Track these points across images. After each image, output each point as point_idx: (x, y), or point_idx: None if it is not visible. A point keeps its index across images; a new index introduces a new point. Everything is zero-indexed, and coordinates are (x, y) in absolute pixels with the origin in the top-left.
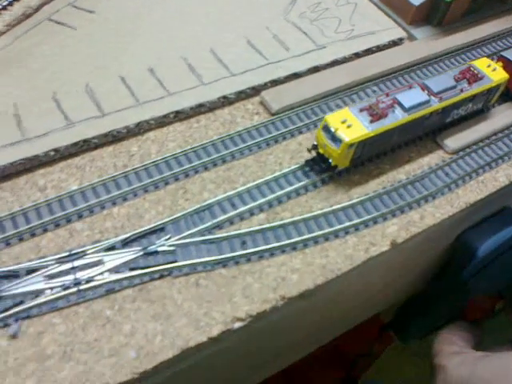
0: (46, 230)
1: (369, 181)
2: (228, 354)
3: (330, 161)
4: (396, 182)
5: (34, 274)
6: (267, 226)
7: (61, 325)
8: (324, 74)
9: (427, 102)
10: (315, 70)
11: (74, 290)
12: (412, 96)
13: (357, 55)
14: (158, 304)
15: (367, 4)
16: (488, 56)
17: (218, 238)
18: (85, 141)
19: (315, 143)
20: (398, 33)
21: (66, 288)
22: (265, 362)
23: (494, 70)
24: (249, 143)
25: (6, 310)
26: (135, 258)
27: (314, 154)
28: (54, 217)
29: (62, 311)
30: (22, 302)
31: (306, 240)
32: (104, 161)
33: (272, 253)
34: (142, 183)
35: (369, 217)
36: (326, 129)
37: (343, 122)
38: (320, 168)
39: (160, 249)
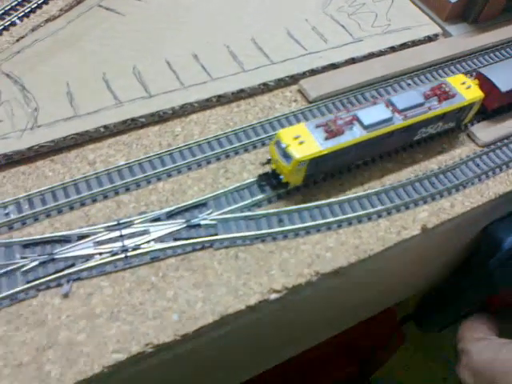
0: (95, 201)
1: (402, 169)
2: (261, 326)
3: (281, 177)
4: (428, 171)
5: (84, 240)
6: (303, 206)
7: (108, 288)
8: (360, 66)
9: (389, 119)
10: (352, 61)
11: (122, 256)
12: (374, 113)
13: (392, 49)
14: (199, 273)
15: (403, 0)
16: None
17: (256, 214)
18: (132, 119)
19: (269, 157)
20: (433, 29)
21: (113, 254)
22: (293, 339)
23: (469, 87)
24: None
25: (59, 271)
26: (179, 229)
27: (268, 168)
28: (103, 189)
29: (109, 275)
30: (73, 265)
31: (340, 221)
32: (150, 139)
33: (308, 231)
34: (186, 161)
35: (401, 202)
36: (278, 144)
37: (296, 138)
38: (272, 184)
39: (202, 222)
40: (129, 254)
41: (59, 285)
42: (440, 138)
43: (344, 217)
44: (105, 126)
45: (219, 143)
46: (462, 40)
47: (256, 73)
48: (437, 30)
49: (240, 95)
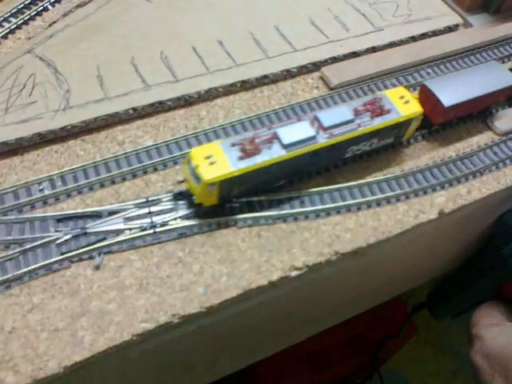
0: (124, 179)
1: (420, 155)
2: (280, 304)
3: (194, 198)
4: (446, 158)
5: (114, 216)
6: (324, 188)
7: (138, 261)
8: (381, 55)
9: (312, 138)
10: (373, 50)
11: (150, 231)
12: (295, 131)
13: (413, 39)
14: (223, 250)
15: None
16: None
17: (279, 196)
18: (160, 102)
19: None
20: (454, 19)
21: (143, 229)
22: (309, 320)
23: (407, 102)
24: (308, 114)
25: (91, 244)
26: None
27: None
28: (132, 168)
29: (138, 249)
30: (104, 239)
31: (360, 203)
32: (176, 122)
33: (328, 212)
34: None
35: (419, 187)
36: (189, 164)
37: (207, 158)
38: (186, 203)
39: (235, 204)
40: (157, 229)
41: (91, 257)
42: (458, 126)
43: (363, 200)
44: (133, 108)
45: (243, 127)
46: (482, 30)
47: (279, 59)
48: (458, 20)
49: (263, 81)
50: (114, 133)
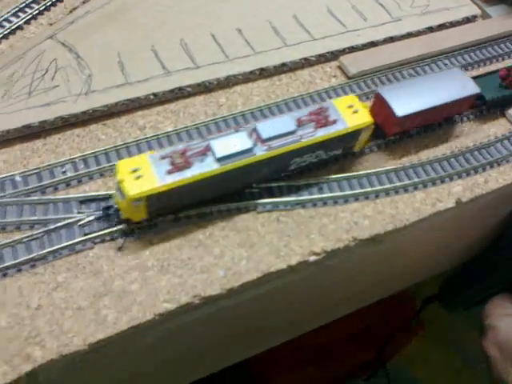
0: None
1: (438, 145)
2: (297, 290)
3: (121, 213)
4: (463, 148)
5: None
6: (343, 175)
7: (159, 243)
8: (399, 45)
9: (249, 150)
10: (391, 40)
11: (171, 217)
12: (231, 143)
13: (431, 29)
14: (243, 234)
15: None
16: None
17: (298, 182)
18: (180, 88)
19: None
20: (472, 10)
21: None
22: (324, 309)
23: (355, 112)
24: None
25: (113, 226)
26: None
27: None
28: None
29: (160, 232)
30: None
31: (378, 191)
32: (196, 108)
33: (346, 199)
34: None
35: (436, 176)
36: (115, 177)
37: (133, 172)
38: (115, 219)
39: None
40: (178, 214)
41: (113, 239)
42: (475, 117)
43: (381, 187)
44: (154, 94)
45: (262, 114)
46: (500, 21)
47: (297, 48)
48: (476, 11)
49: (282, 69)
50: (134, 118)
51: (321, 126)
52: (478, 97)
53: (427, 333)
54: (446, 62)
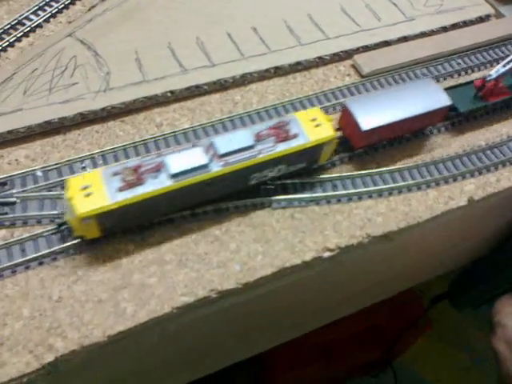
0: None
1: (451, 144)
2: (311, 285)
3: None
4: (476, 147)
5: None
6: (356, 173)
7: (177, 238)
8: (412, 44)
9: (204, 166)
10: (404, 39)
11: (188, 212)
12: (185, 159)
13: (444, 29)
14: (259, 229)
15: None
16: None
17: (312, 179)
18: (196, 86)
19: None
20: (485, 9)
21: None
22: (334, 305)
23: (318, 125)
24: (340, 100)
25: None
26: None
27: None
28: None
29: (178, 227)
30: None
31: (391, 189)
32: (212, 106)
33: (360, 197)
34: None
35: (449, 174)
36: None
37: (84, 189)
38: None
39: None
40: (195, 210)
41: (133, 232)
42: (488, 115)
43: (395, 185)
44: (171, 91)
45: (277, 112)
46: None
47: (312, 47)
48: (489, 10)
49: (296, 67)
50: (152, 115)
51: (281, 141)
52: (452, 108)
53: (435, 332)
54: (460, 61)
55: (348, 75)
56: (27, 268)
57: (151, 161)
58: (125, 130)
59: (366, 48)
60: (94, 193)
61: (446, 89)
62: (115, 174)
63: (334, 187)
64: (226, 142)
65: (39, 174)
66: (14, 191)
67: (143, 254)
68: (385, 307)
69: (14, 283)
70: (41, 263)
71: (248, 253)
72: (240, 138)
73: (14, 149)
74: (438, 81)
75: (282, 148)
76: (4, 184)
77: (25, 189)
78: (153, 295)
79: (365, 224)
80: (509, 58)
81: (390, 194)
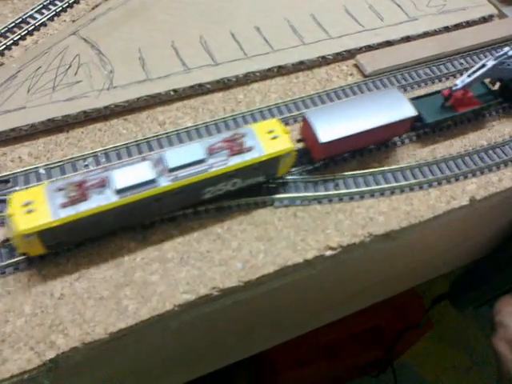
0: None
1: (453, 143)
2: (312, 285)
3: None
4: (478, 146)
5: None
6: (358, 172)
7: (179, 236)
8: (415, 44)
9: (152, 181)
10: (407, 39)
11: (190, 210)
12: (132, 174)
13: (447, 29)
14: (261, 228)
15: None
16: None
17: (314, 178)
18: (200, 85)
19: None
20: (488, 9)
21: None
22: (335, 304)
23: (275, 138)
24: (343, 100)
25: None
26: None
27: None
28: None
29: (179, 225)
30: None
31: (393, 188)
32: (214, 104)
33: (362, 196)
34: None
35: (451, 174)
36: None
37: (26, 205)
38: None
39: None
40: (197, 208)
41: (134, 230)
42: (490, 116)
43: (397, 184)
44: (174, 90)
45: (279, 111)
46: None
47: (315, 46)
48: (492, 10)
49: (299, 67)
50: (154, 113)
51: (234, 154)
52: (418, 119)
53: (435, 332)
54: (462, 61)
55: (351, 75)
56: (30, 264)
57: (96, 176)
58: (128, 129)
59: (369, 48)
60: (37, 209)
61: (416, 98)
62: (59, 189)
63: (336, 186)
64: (176, 155)
65: (42, 171)
66: (16, 188)
67: (145, 251)
68: (386, 307)
69: (16, 280)
70: (42, 258)
71: (250, 251)
72: (191, 151)
73: (17, 146)
74: (440, 81)
75: (236, 162)
76: (7, 181)
77: (28, 186)
78: (155, 293)
79: (367, 223)
80: (474, 68)
81: (392, 193)
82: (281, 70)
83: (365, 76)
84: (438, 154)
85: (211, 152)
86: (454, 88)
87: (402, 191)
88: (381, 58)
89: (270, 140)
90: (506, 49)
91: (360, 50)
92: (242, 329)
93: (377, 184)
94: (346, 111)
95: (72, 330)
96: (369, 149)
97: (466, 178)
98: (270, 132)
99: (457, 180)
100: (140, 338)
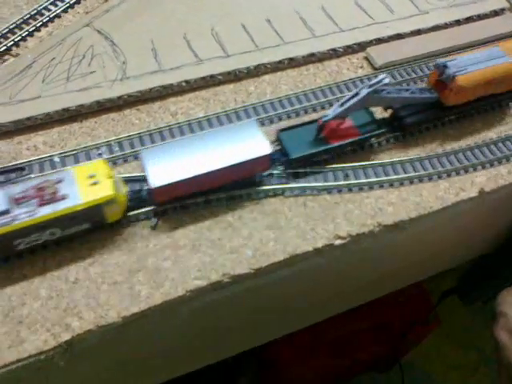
0: None
1: (462, 136)
2: (321, 274)
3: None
4: (487, 139)
5: None
6: (368, 163)
7: (190, 224)
8: (426, 37)
9: None
10: (418, 32)
11: (202, 199)
12: None
13: (458, 22)
14: (271, 217)
15: None
16: None
17: (324, 168)
18: (211, 76)
19: None
20: (500, 3)
21: None
22: (344, 295)
23: (95, 183)
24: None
25: (147, 206)
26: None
27: None
28: None
29: (191, 213)
30: None
31: (403, 179)
32: (226, 96)
33: (371, 186)
34: (259, 117)
35: (460, 165)
36: None
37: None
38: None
39: (275, 172)
40: (209, 197)
41: (147, 218)
42: (501, 108)
43: (406, 175)
44: (186, 81)
45: (290, 102)
46: None
47: (325, 39)
48: (504, 4)
49: (310, 59)
50: (167, 104)
51: (44, 204)
52: (285, 153)
53: (443, 330)
54: None
55: (361, 67)
56: (45, 248)
57: None
58: (140, 119)
59: (379, 41)
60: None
61: (291, 127)
62: None
63: (346, 176)
64: None
65: (57, 159)
66: (32, 176)
67: (158, 238)
68: (395, 302)
69: (31, 264)
70: (57, 244)
71: (260, 239)
72: None
73: (32, 135)
74: None
75: (46, 212)
76: (23, 169)
77: (43, 174)
78: (167, 278)
79: (376, 213)
80: (346, 97)
81: (402, 184)
82: (291, 62)
83: (375, 69)
84: (447, 145)
85: (17, 202)
86: (323, 119)
87: (411, 182)
88: (391, 50)
89: (89, 186)
90: (381, 76)
91: (370, 43)
92: (250, 318)
93: (386, 175)
94: (188, 149)
95: (86, 314)
96: (379, 142)
97: (475, 170)
98: (91, 177)
99: (466, 172)
100: (151, 324)
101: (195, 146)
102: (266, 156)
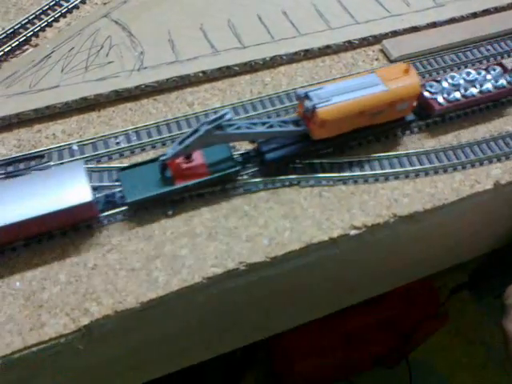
0: None
1: (478, 129)
2: (335, 264)
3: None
4: (503, 132)
5: None
6: (383, 154)
7: (207, 212)
8: (441, 30)
9: None
10: (433, 25)
11: (218, 187)
12: None
13: (474, 15)
14: (287, 206)
15: None
16: None
17: (340, 159)
18: (227, 67)
19: None
20: None
21: None
22: (356, 287)
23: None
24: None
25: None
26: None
27: None
28: None
29: (208, 202)
30: None
31: (418, 171)
32: (242, 86)
33: (386, 177)
34: (275, 108)
35: (475, 158)
36: None
37: None
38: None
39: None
40: (225, 186)
41: (164, 205)
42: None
43: (421, 167)
44: (203, 72)
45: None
46: None
47: (341, 31)
48: None
49: (325, 51)
50: (183, 94)
51: None
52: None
53: (452, 326)
54: (489, 47)
55: (376, 59)
56: (64, 234)
57: None
58: (158, 108)
59: (395, 33)
60: None
61: (139, 164)
62: None
63: (362, 167)
64: None
65: (75, 148)
66: (51, 163)
67: (175, 226)
68: (404, 297)
69: (51, 250)
70: (76, 230)
71: (276, 228)
72: None
73: (51, 124)
74: (465, 67)
75: None
76: (42, 157)
77: (62, 161)
78: (184, 265)
79: (391, 204)
80: (186, 134)
81: (417, 175)
82: (307, 54)
83: (390, 61)
84: (462, 138)
85: None
86: (162, 158)
87: (427, 174)
88: (407, 43)
89: None
90: (223, 111)
91: (386, 36)
92: (264, 307)
93: (401, 166)
94: (5, 194)
95: (105, 299)
96: (395, 134)
97: (490, 162)
98: None
99: (481, 164)
100: (168, 310)
101: (13, 192)
102: (85, 204)
